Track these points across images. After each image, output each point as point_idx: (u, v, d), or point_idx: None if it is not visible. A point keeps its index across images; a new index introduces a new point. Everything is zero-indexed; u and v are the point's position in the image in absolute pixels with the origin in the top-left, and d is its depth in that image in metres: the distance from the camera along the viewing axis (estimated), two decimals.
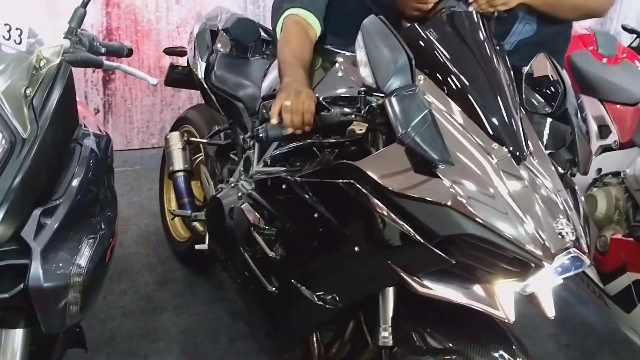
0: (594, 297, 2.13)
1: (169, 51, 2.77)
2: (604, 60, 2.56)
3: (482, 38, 1.37)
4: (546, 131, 1.43)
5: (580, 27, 2.70)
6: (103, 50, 1.41)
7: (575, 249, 1.13)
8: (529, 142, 1.28)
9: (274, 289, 1.61)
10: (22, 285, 1.02)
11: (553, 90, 1.46)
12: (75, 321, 1.12)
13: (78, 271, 1.06)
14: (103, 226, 1.17)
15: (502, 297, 1.19)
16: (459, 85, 1.29)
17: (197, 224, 2.35)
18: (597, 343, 2.38)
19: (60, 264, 1.06)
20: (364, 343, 1.48)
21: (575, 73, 2.45)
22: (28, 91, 1.05)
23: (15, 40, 1.05)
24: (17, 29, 1.08)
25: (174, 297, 2.49)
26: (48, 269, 1.03)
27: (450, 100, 1.29)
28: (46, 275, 1.02)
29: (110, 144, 1.36)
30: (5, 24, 1.09)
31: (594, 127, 2.37)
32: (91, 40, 1.37)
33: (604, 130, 2.37)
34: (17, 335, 1.16)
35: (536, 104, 1.47)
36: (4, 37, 1.06)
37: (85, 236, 1.11)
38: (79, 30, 1.34)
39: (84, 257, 1.08)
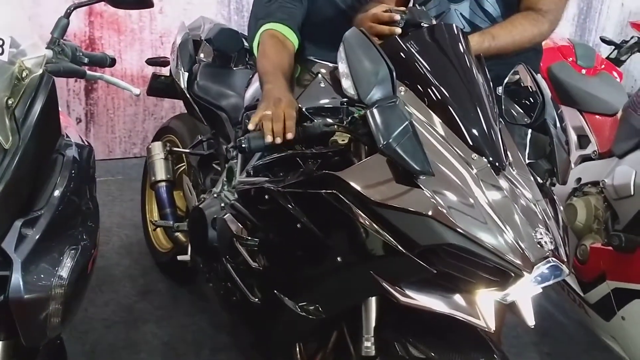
0: (575, 305, 2.15)
1: (152, 61, 2.77)
2: (583, 71, 2.61)
3: (461, 50, 1.39)
4: (526, 142, 1.45)
5: (559, 38, 2.75)
6: (86, 60, 1.41)
7: (554, 258, 1.15)
8: (508, 153, 1.30)
9: (257, 299, 1.60)
10: (1, 297, 1.01)
11: (532, 101, 1.48)
12: (56, 333, 1.11)
13: (59, 282, 1.05)
14: (85, 237, 1.16)
15: (482, 306, 1.21)
16: (439, 97, 1.30)
17: (179, 235, 2.34)
18: (578, 351, 2.40)
19: (42, 276, 1.04)
20: (347, 354, 1.48)
21: (555, 84, 2.49)
22: (10, 102, 1.04)
23: None
24: None
25: (156, 308, 2.47)
26: (29, 280, 1.02)
27: (430, 111, 1.30)
28: (27, 286, 1.01)
29: (93, 154, 1.35)
30: None
31: (573, 137, 2.41)
32: (74, 50, 1.37)
33: (583, 141, 2.42)
34: None
35: (515, 114, 1.48)
36: None
37: (67, 247, 1.10)
38: (62, 40, 1.34)
39: (65, 269, 1.07)
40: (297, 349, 1.65)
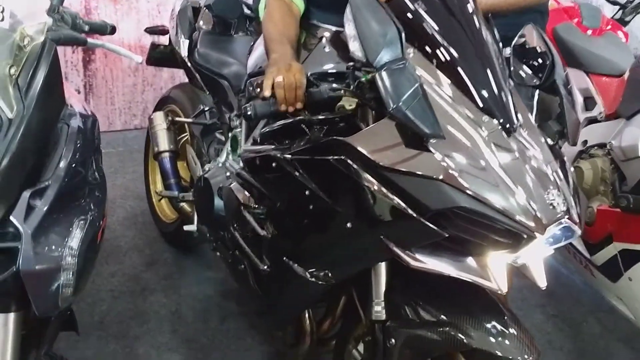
0: (581, 267, 2.16)
1: (151, 30, 2.72)
2: (589, 32, 2.57)
3: (470, 10, 1.36)
4: (535, 103, 1.43)
5: None
6: (86, 28, 1.38)
7: (566, 219, 1.14)
8: (519, 114, 1.28)
9: (265, 267, 1.61)
10: (13, 269, 1.01)
11: (541, 61, 1.46)
12: (68, 303, 1.11)
13: (70, 253, 1.05)
14: (93, 207, 1.15)
15: (494, 269, 1.20)
16: (448, 58, 1.28)
17: (184, 205, 2.33)
18: (584, 313, 2.42)
19: (52, 247, 1.04)
20: (357, 318, 1.49)
21: (561, 45, 2.45)
22: (12, 70, 1.02)
23: None
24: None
25: (162, 278, 2.49)
26: (39, 251, 1.01)
27: (439, 72, 1.28)
28: (38, 257, 1.00)
29: (97, 124, 1.33)
30: None
31: (579, 99, 2.38)
32: (74, 17, 1.34)
33: (589, 102, 2.39)
34: (9, 319, 1.14)
35: (524, 75, 1.46)
36: None
37: (76, 218, 1.09)
38: (61, 7, 1.31)
39: (75, 239, 1.06)
40: (306, 315, 1.66)
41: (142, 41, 3.46)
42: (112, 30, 1.51)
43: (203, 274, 2.53)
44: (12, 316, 1.14)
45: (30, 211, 1.03)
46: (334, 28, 1.62)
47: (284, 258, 1.48)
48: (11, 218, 1.02)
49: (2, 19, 1.02)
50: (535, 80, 1.45)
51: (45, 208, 1.05)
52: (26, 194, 1.04)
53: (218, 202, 1.87)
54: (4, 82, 1.01)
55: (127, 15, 3.46)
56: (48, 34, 1.14)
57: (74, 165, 1.14)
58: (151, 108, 2.95)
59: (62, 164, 1.12)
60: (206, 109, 2.35)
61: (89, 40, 1.40)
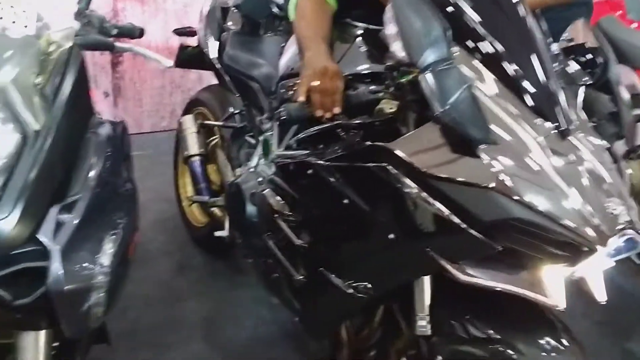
0: (629, 272, 2.05)
1: (179, 32, 2.67)
2: (633, 25, 2.45)
3: (514, 0, 1.27)
4: (584, 102, 1.34)
5: None
6: (114, 31, 1.33)
7: (631, 230, 1.06)
8: (573, 115, 1.19)
9: (301, 277, 1.54)
10: (43, 289, 0.96)
11: (591, 58, 1.37)
12: (98, 323, 1.05)
13: (101, 270, 0.99)
14: (124, 220, 1.09)
15: (550, 283, 1.12)
16: (494, 54, 1.19)
17: (215, 210, 2.29)
18: (632, 320, 2.31)
19: (82, 265, 0.98)
20: (397, 330, 1.42)
21: (604, 40, 2.34)
22: (39, 79, 0.97)
23: (23, 24, 0.97)
24: (24, 11, 1.00)
25: (194, 283, 2.45)
26: (69, 270, 0.96)
27: (484, 69, 1.19)
28: (68, 277, 0.95)
29: (127, 131, 1.28)
30: (12, 7, 1.01)
31: (626, 96, 2.27)
32: (101, 21, 1.29)
33: (635, 99, 2.27)
34: (39, 337, 1.10)
35: (573, 73, 1.37)
36: (11, 21, 0.97)
37: (107, 232, 1.04)
38: (88, 11, 1.26)
39: (106, 255, 1.01)
40: (343, 326, 1.59)
41: (169, 42, 3.43)
42: (141, 33, 1.46)
43: (234, 279, 2.49)
44: (42, 334, 1.10)
45: (59, 227, 0.98)
46: (368, 26, 1.55)
47: (321, 268, 1.41)
48: (39, 236, 0.97)
49: (26, 26, 0.97)
50: (585, 78, 1.35)
51: (74, 223, 1.00)
52: (55, 210, 0.99)
53: (250, 209, 1.82)
54: (30, 93, 0.96)
55: (154, 17, 3.44)
56: (75, 40, 1.09)
57: (104, 176, 1.09)
58: (179, 110, 2.92)
59: (91, 176, 1.07)
60: (236, 111, 2.30)
61: (117, 44, 1.36)
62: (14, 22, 1.00)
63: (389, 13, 1.17)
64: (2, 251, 0.92)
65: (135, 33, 1.44)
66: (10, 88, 0.93)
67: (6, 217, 0.92)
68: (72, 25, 1.07)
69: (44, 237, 0.96)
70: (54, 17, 1.13)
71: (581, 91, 1.34)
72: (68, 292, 0.95)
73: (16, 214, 0.92)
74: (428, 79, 1.09)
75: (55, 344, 1.16)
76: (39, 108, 0.97)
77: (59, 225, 0.99)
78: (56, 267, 0.94)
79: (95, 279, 0.99)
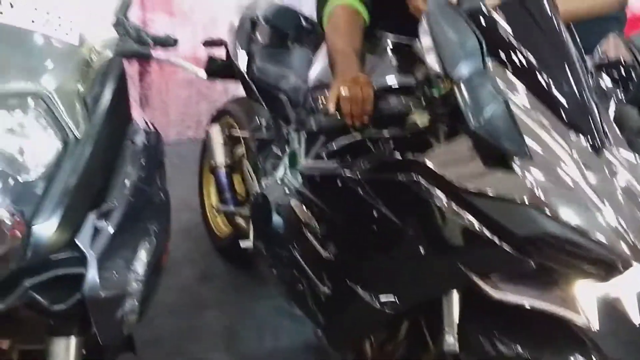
0: None
1: (208, 43, 2.70)
2: None
3: (549, 13, 1.25)
4: (617, 117, 1.33)
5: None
6: (150, 41, 1.35)
7: None
8: (607, 130, 1.18)
9: (326, 289, 1.54)
10: (78, 295, 0.97)
11: (624, 72, 1.36)
12: (131, 330, 1.07)
13: (136, 278, 1.00)
14: (158, 228, 1.11)
15: (583, 302, 1.11)
16: (527, 65, 1.18)
17: (240, 220, 2.30)
18: None
19: (118, 272, 0.99)
20: (422, 344, 1.41)
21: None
22: (81, 88, 0.99)
23: (66, 33, 0.99)
24: (59, 17, 1.02)
25: (218, 292, 2.46)
26: (105, 277, 0.97)
27: (517, 81, 1.18)
28: (103, 284, 0.96)
29: (161, 140, 1.30)
30: (47, 13, 1.03)
31: None
32: (138, 31, 1.31)
33: None
34: (70, 344, 1.11)
35: (606, 87, 1.36)
36: (53, 28, 0.99)
37: (141, 240, 1.05)
38: (126, 21, 1.29)
39: (140, 263, 1.02)
40: (367, 340, 1.58)
41: (197, 53, 3.47)
42: (175, 42, 1.49)
43: (257, 290, 2.48)
44: (73, 340, 1.11)
45: (96, 234, 1.00)
46: (399, 38, 1.55)
47: (347, 281, 1.41)
48: (77, 242, 0.98)
49: (67, 34, 0.99)
50: (618, 92, 1.34)
51: (111, 231, 1.01)
52: (92, 216, 1.01)
53: (276, 219, 1.82)
54: (72, 101, 0.98)
55: (182, 27, 3.48)
56: (116, 49, 1.11)
57: (139, 184, 1.11)
58: (204, 120, 2.95)
59: (127, 183, 1.09)
60: (263, 123, 2.31)
61: (154, 54, 1.38)
62: (55, 29, 1.02)
63: (423, 25, 1.17)
64: (41, 256, 0.94)
65: (171, 42, 1.47)
66: (53, 96, 0.95)
67: (46, 222, 0.93)
68: (114, 35, 1.09)
69: (81, 243, 0.98)
70: (88, 25, 1.15)
71: (616, 106, 1.33)
72: (103, 299, 0.96)
73: (55, 219, 0.94)
74: (463, 91, 1.09)
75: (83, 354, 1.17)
76: (80, 116, 0.99)
77: (96, 232, 1.00)
78: (92, 274, 0.96)
79: (130, 287, 1.00)
